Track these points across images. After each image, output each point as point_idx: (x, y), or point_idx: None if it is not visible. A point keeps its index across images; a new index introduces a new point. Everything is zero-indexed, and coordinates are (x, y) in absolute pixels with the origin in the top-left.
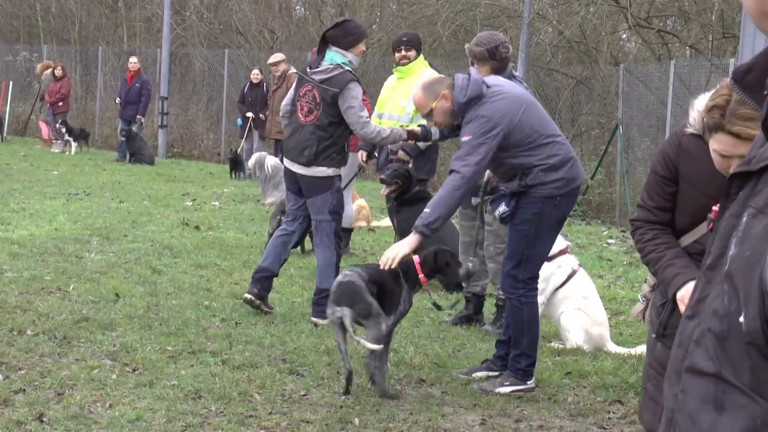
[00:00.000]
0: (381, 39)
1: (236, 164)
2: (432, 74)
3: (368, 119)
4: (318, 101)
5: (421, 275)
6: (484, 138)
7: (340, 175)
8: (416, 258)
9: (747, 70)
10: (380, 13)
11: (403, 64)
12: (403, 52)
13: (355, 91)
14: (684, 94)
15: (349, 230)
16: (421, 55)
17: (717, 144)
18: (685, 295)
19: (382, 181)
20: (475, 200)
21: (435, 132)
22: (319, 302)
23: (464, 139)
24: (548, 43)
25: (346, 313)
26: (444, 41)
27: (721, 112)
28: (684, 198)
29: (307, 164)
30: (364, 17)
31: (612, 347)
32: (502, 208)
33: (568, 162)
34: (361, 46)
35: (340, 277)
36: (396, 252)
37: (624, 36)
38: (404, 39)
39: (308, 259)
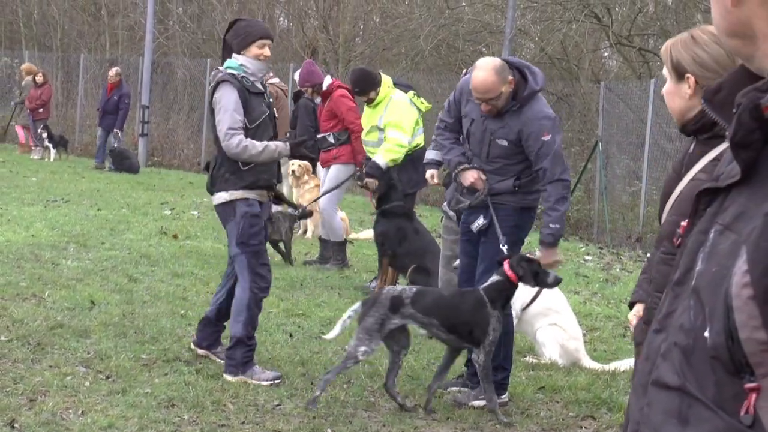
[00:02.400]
0: (364, 52)
1: None
2: (399, 94)
3: (234, 131)
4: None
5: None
6: (559, 140)
7: (247, 199)
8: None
9: (716, 90)
10: (363, 26)
11: (369, 103)
12: (365, 98)
13: (223, 93)
14: (664, 112)
15: (343, 243)
16: (384, 80)
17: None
18: (630, 319)
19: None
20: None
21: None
22: (229, 354)
23: (546, 138)
24: (530, 60)
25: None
26: (426, 55)
27: None
28: None
29: (209, 191)
30: (347, 30)
31: (587, 362)
32: (481, 220)
33: None
34: (255, 49)
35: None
36: (556, 262)
37: (605, 54)
38: (356, 90)
39: (285, 270)
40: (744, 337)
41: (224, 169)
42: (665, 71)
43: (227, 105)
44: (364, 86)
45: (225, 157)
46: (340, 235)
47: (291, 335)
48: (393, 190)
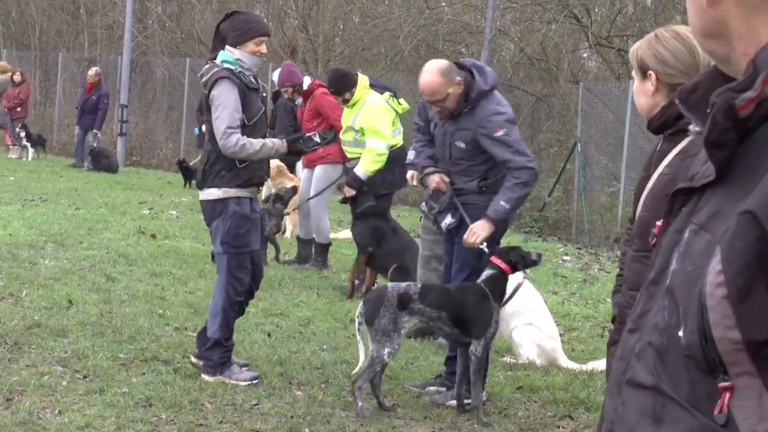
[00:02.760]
0: (343, 52)
1: (188, 172)
2: (374, 96)
3: (232, 129)
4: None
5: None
6: (515, 132)
7: (238, 198)
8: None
9: (692, 89)
10: (343, 26)
11: (345, 102)
12: (341, 98)
13: (223, 89)
14: None
15: (327, 245)
16: (360, 81)
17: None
18: None
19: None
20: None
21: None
22: (206, 355)
23: (499, 134)
24: (509, 60)
25: None
26: (406, 55)
27: None
28: None
29: (199, 186)
30: (326, 30)
31: (564, 361)
32: (449, 219)
33: None
34: (253, 45)
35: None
36: (477, 235)
37: (584, 54)
38: (332, 90)
39: (264, 269)
40: (718, 336)
41: (219, 166)
42: (634, 71)
43: (227, 102)
44: (340, 86)
45: (221, 154)
46: (327, 237)
47: (269, 335)
48: (361, 192)
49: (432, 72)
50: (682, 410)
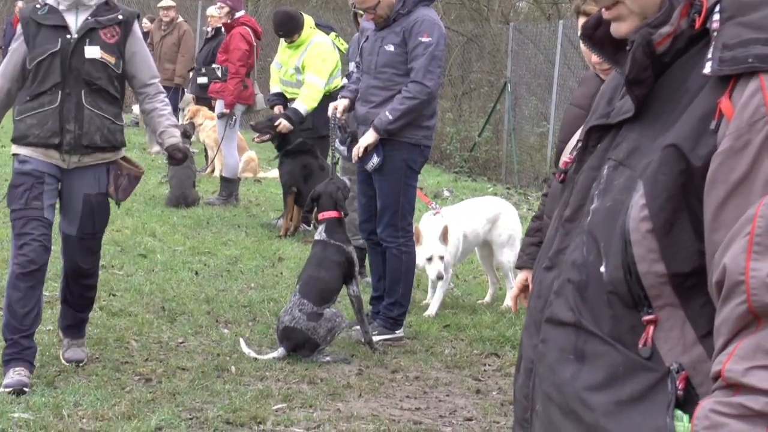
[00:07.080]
0: None
1: None
2: (321, 36)
3: None
4: None
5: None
6: (440, 48)
7: (18, 155)
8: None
9: (595, 25)
10: None
11: (291, 43)
12: (289, 40)
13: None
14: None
15: (236, 180)
16: (306, 21)
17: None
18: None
19: (253, 128)
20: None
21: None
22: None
23: (425, 39)
24: (440, 0)
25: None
26: None
27: None
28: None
29: None
30: None
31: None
32: (375, 159)
33: (436, 115)
34: None
35: (285, 320)
36: (359, 146)
37: None
38: (280, 33)
39: (192, 208)
40: (643, 270)
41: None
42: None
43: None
44: (289, 29)
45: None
46: (233, 171)
47: (197, 273)
48: (289, 131)
49: None
50: (605, 345)
